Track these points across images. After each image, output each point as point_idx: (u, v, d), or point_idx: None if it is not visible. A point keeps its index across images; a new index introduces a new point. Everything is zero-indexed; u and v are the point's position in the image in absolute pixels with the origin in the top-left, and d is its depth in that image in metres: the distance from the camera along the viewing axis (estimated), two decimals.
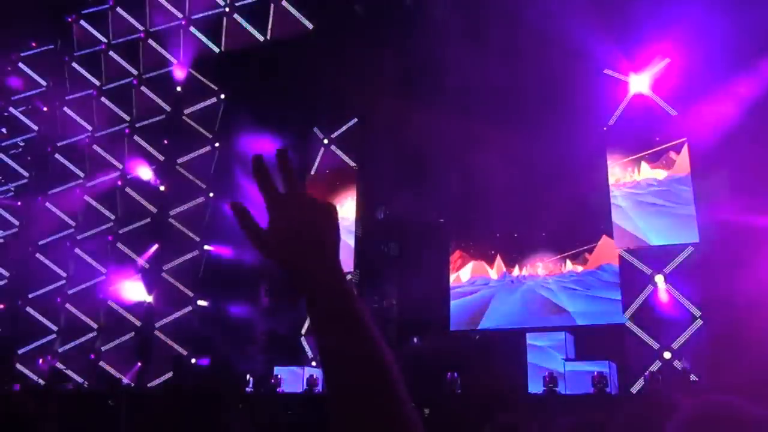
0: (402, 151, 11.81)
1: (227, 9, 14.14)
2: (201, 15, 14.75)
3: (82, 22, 16.39)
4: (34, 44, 17.27)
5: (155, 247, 14.21)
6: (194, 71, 14.91)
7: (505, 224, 12.74)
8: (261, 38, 13.68)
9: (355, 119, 13.58)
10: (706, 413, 1.10)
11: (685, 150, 10.48)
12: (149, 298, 13.97)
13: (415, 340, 12.60)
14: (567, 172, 10.91)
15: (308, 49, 12.52)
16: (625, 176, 10.80)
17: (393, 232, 13.82)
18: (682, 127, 10.54)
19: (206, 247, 14.25)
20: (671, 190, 10.41)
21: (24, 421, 3.99)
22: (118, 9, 15.91)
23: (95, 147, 15.58)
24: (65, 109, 16.22)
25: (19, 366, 14.01)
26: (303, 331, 12.83)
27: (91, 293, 14.44)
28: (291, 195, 0.94)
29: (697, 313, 9.74)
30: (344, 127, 13.67)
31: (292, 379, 11.37)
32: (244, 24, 13.90)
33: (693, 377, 9.04)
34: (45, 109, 17.01)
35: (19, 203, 16.71)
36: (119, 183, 15.08)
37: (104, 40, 16.06)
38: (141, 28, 15.55)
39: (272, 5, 13.44)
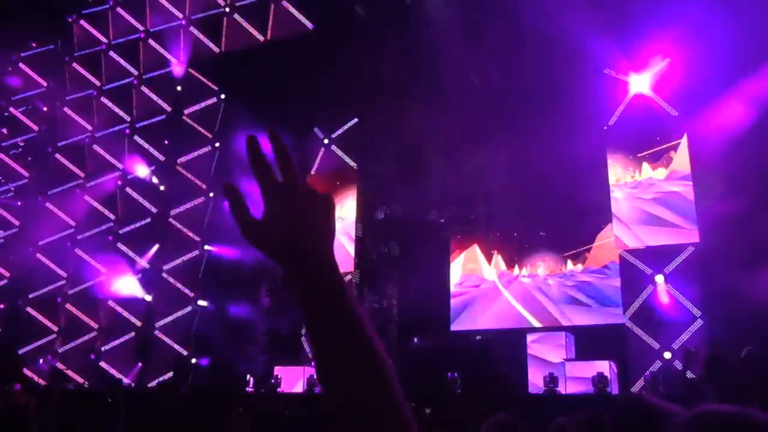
0: (402, 151, 11.81)
1: (227, 9, 14.14)
2: (201, 15, 14.75)
3: (83, 23, 16.40)
4: (34, 44, 17.28)
5: (156, 247, 14.22)
6: (194, 71, 14.91)
7: (505, 224, 12.75)
8: (261, 38, 13.68)
9: (355, 119, 13.59)
10: (709, 420, 1.10)
11: (685, 150, 10.47)
12: (149, 298, 13.97)
13: (416, 339, 12.61)
14: (567, 172, 10.91)
15: (308, 49, 12.51)
16: (625, 176, 10.80)
17: (393, 231, 13.83)
18: (683, 127, 10.54)
19: (206, 247, 14.26)
20: (671, 189, 10.40)
21: (24, 421, 3.99)
22: (119, 9, 15.91)
23: (95, 147, 15.58)
24: (65, 109, 16.22)
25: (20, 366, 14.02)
26: (303, 331, 12.83)
27: (91, 293, 14.44)
28: (288, 184, 0.89)
29: (698, 313, 9.74)
30: (344, 127, 13.67)
31: (292, 379, 11.39)
32: (244, 24, 13.90)
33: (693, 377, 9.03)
34: (45, 109, 17.01)
35: (19, 203, 16.72)
36: (119, 183, 15.08)
37: (104, 40, 16.06)
38: (141, 28, 15.55)
39: (272, 5, 13.44)
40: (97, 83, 16.00)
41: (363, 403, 0.83)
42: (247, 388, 11.14)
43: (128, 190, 14.99)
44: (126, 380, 12.99)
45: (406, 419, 0.84)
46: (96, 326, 14.37)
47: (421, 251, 13.13)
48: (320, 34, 12.74)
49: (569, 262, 12.17)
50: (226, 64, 14.32)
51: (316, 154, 13.88)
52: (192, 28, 14.77)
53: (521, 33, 10.40)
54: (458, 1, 11.00)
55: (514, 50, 10.85)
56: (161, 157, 14.95)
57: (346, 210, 13.31)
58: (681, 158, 10.48)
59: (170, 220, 14.43)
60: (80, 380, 13.52)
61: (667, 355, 9.66)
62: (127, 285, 14.12)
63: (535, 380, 10.12)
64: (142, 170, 14.86)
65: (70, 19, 16.42)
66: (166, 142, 15.03)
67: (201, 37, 14.64)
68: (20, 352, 14.44)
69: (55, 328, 14.87)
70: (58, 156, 16.05)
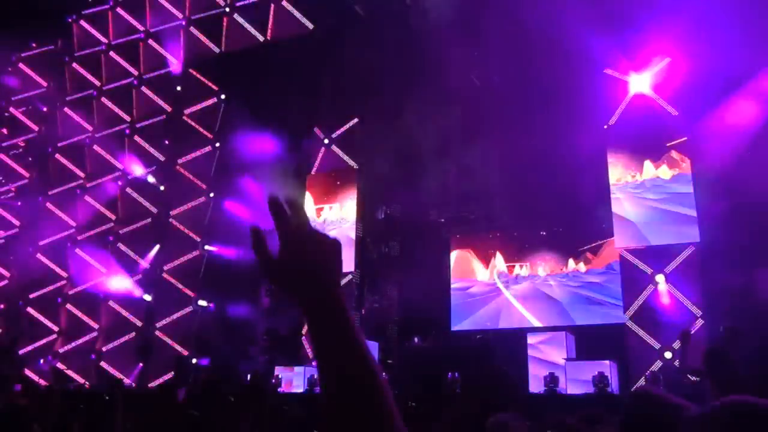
0: (402, 151, 11.81)
1: (227, 9, 14.13)
2: (201, 15, 14.75)
3: (83, 23, 16.41)
4: (34, 45, 17.28)
5: (157, 247, 14.22)
6: (194, 71, 14.92)
7: (506, 224, 12.76)
8: (261, 38, 13.68)
9: (355, 119, 13.59)
10: (731, 411, 1.09)
11: (685, 149, 10.47)
12: (149, 298, 13.98)
13: (416, 339, 12.61)
14: (567, 172, 10.91)
15: (308, 49, 12.52)
16: (625, 176, 10.79)
17: (393, 231, 13.84)
18: (683, 127, 10.53)
19: (207, 247, 14.26)
20: (672, 189, 10.40)
21: (26, 421, 3.99)
22: (119, 9, 15.92)
23: (96, 147, 15.58)
24: (66, 109, 16.22)
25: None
26: (303, 331, 12.83)
27: (91, 293, 14.44)
28: (300, 232, 1.03)
29: (698, 312, 9.74)
30: (344, 128, 13.67)
31: (293, 379, 11.38)
32: (244, 24, 13.90)
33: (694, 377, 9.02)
34: (45, 109, 17.02)
35: (19, 203, 16.72)
36: (120, 183, 15.09)
37: (104, 40, 16.07)
38: (141, 28, 15.56)
39: (272, 5, 13.44)
40: (97, 83, 16.00)
41: (358, 410, 0.95)
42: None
43: (128, 190, 14.99)
44: (127, 380, 12.99)
45: (398, 428, 0.96)
46: (96, 326, 14.37)
47: (421, 251, 13.14)
48: (320, 34, 12.74)
49: (570, 262, 12.18)
50: (226, 64, 14.33)
51: (316, 154, 13.88)
52: (192, 29, 14.78)
53: (521, 33, 10.39)
54: (458, 0, 11.00)
55: (515, 50, 10.85)
56: (161, 158, 14.96)
57: (346, 210, 13.32)
58: (681, 158, 10.47)
59: (170, 220, 14.43)
60: (81, 380, 13.53)
61: (668, 354, 9.65)
62: (128, 285, 14.13)
63: (537, 380, 10.11)
64: (142, 171, 14.86)
65: (70, 20, 16.43)
66: (166, 142, 15.03)
67: (201, 37, 14.64)
68: (21, 352, 14.48)
69: (56, 329, 14.87)
70: (58, 156, 16.05)
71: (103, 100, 15.80)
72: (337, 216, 13.35)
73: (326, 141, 13.78)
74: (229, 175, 14.43)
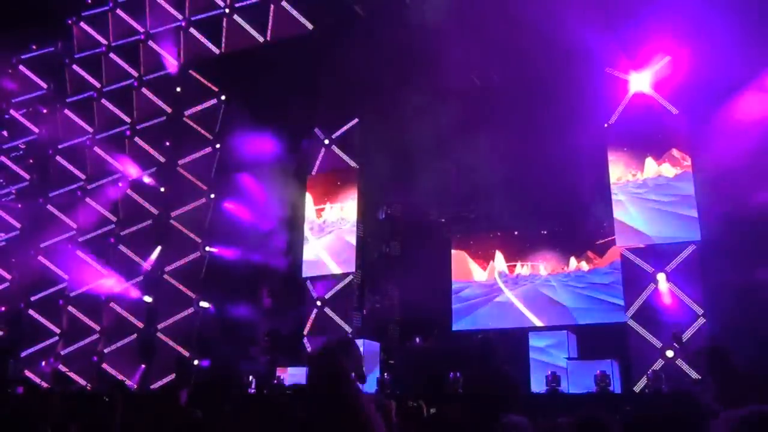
0: (402, 151, 11.81)
1: (227, 10, 14.13)
2: (201, 16, 14.74)
3: (83, 25, 16.40)
4: (34, 47, 17.29)
5: (159, 249, 14.21)
6: (194, 72, 14.91)
7: (506, 223, 12.75)
8: (261, 38, 13.67)
9: (356, 119, 13.59)
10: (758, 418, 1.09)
11: (686, 148, 10.46)
12: (150, 300, 13.97)
13: (417, 339, 12.60)
14: (568, 171, 10.91)
15: (308, 49, 12.51)
16: (626, 174, 10.79)
17: (394, 231, 13.84)
18: (683, 125, 10.53)
19: (208, 248, 14.26)
20: (673, 188, 10.39)
21: (26, 422, 3.99)
22: (118, 11, 15.92)
23: (96, 149, 15.59)
24: (66, 111, 16.23)
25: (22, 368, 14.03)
26: (305, 332, 12.83)
27: (93, 295, 14.43)
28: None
29: (700, 311, 9.73)
30: (344, 128, 13.67)
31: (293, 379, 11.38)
32: (244, 24, 13.90)
33: (696, 376, 9.02)
34: (45, 111, 17.02)
35: (20, 206, 16.73)
36: (120, 185, 15.08)
37: (104, 42, 16.07)
38: (141, 29, 15.55)
39: (272, 5, 13.43)
40: (98, 85, 16.00)
41: None
42: (249, 389, 11.12)
43: (129, 191, 14.99)
44: (129, 382, 12.99)
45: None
46: (98, 328, 14.36)
47: (422, 251, 13.13)
48: (320, 34, 12.73)
49: (572, 261, 12.18)
50: (226, 65, 14.32)
51: (316, 154, 13.88)
52: (192, 30, 14.77)
53: (522, 32, 10.38)
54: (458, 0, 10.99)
55: (515, 49, 10.85)
56: (162, 159, 14.96)
57: (346, 210, 13.32)
58: (682, 156, 10.46)
59: (171, 221, 14.43)
60: (83, 382, 13.53)
61: (670, 353, 9.64)
62: (129, 287, 14.13)
63: (539, 379, 10.11)
64: (142, 172, 14.86)
65: (69, 21, 16.42)
66: (166, 143, 15.03)
67: (201, 38, 14.64)
68: (23, 354, 14.49)
69: (57, 331, 14.87)
70: (58, 158, 16.06)
71: (104, 101, 15.80)
72: (337, 216, 13.36)
73: (326, 141, 13.78)
74: (229, 176, 14.43)
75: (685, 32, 9.90)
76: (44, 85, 17.24)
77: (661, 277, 10.11)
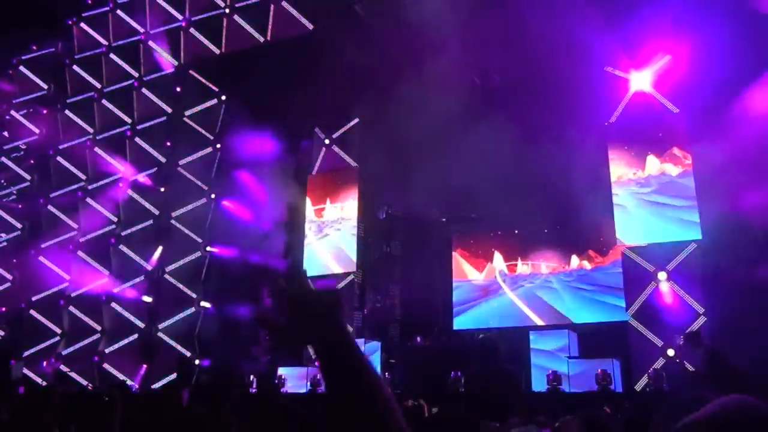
0: (403, 150, 11.80)
1: (227, 10, 14.13)
2: (201, 16, 14.75)
3: (83, 25, 16.41)
4: (34, 48, 17.29)
5: (160, 249, 14.22)
6: (195, 73, 14.92)
7: (507, 222, 12.74)
8: (261, 39, 13.68)
9: (356, 119, 13.58)
10: (731, 412, 1.06)
11: (686, 147, 10.46)
12: (150, 300, 13.98)
13: (418, 338, 12.60)
14: (568, 170, 10.89)
15: (308, 49, 12.50)
16: (627, 173, 10.78)
17: (395, 231, 13.84)
18: (684, 124, 10.52)
19: (208, 248, 14.27)
20: (673, 187, 10.39)
21: (27, 423, 4.00)
22: (119, 11, 15.92)
23: (97, 150, 15.59)
24: (66, 112, 16.23)
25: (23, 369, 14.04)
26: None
27: (93, 295, 14.44)
28: (299, 299, 1.19)
29: (701, 310, 9.72)
30: (345, 127, 13.66)
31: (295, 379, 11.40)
32: (244, 24, 13.90)
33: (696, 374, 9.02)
34: (46, 112, 17.03)
35: (21, 206, 16.74)
36: (121, 185, 15.09)
37: (105, 42, 16.07)
38: (141, 30, 15.56)
39: (272, 5, 13.44)
40: (98, 85, 16.01)
41: (369, 421, 1.09)
42: (250, 389, 11.13)
43: (130, 192, 14.99)
44: (130, 382, 13.01)
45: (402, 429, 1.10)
46: (99, 328, 14.37)
47: (422, 250, 13.13)
48: (320, 34, 12.73)
49: (573, 260, 12.17)
50: (227, 65, 14.32)
51: (316, 154, 13.88)
52: (192, 30, 14.78)
53: (522, 31, 10.37)
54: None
55: (515, 49, 10.84)
56: (163, 159, 14.96)
57: (347, 210, 13.32)
58: (682, 155, 10.46)
59: (172, 221, 14.44)
60: (84, 382, 13.53)
61: (671, 352, 9.64)
62: (129, 287, 14.13)
63: (540, 378, 10.10)
64: (142, 173, 14.87)
65: (70, 22, 16.43)
66: (167, 143, 15.04)
67: (201, 38, 14.64)
68: (24, 355, 14.50)
69: (59, 331, 14.88)
70: (59, 159, 16.06)
71: (104, 102, 15.81)
72: (338, 216, 13.36)
73: (326, 141, 13.78)
74: (229, 176, 14.44)
75: (685, 31, 9.89)
76: (44, 86, 17.25)
77: (662, 275, 10.11)
